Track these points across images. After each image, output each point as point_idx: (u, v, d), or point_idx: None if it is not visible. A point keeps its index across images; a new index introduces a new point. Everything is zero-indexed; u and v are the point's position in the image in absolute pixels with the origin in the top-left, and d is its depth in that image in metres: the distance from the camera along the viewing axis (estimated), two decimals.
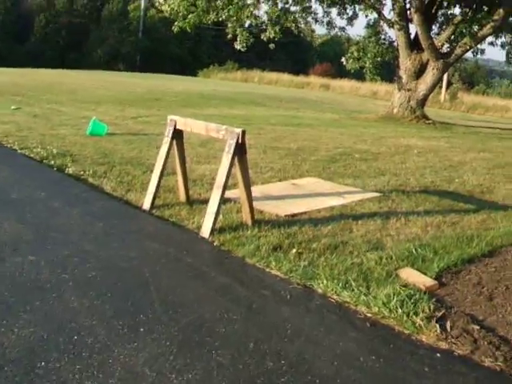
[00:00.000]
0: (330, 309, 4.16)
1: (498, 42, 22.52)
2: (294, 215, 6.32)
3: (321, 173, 8.95)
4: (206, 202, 6.32)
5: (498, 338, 3.82)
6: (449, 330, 3.88)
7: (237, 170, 5.73)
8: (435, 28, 22.58)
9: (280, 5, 20.04)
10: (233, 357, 3.37)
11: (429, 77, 19.87)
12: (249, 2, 19.07)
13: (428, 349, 3.67)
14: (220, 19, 19.81)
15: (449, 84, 39.64)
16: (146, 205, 6.33)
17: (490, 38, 21.18)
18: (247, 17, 17.90)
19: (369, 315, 4.08)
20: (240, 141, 5.50)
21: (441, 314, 4.09)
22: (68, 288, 4.17)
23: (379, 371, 3.36)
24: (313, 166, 9.46)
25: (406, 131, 17.00)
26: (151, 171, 7.46)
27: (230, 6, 17.94)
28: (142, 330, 3.62)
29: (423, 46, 19.35)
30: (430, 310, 4.11)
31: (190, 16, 17.81)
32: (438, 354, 3.60)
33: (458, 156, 12.36)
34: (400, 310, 4.08)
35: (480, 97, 41.99)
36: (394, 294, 4.28)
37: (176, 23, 18.07)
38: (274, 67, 55.22)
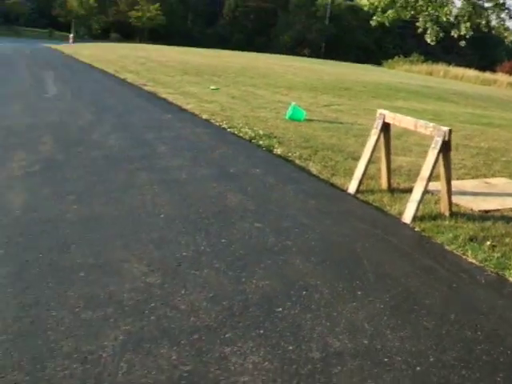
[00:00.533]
0: None
1: None
2: (487, 211, 6.65)
3: None
4: (404, 191, 6.91)
5: None
6: None
7: (440, 165, 6.20)
8: None
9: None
10: (436, 324, 3.94)
11: None
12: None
13: None
14: (412, 13, 19.93)
15: None
16: (352, 189, 6.94)
17: None
18: (446, 14, 17.94)
19: None
20: (446, 138, 5.98)
21: None
22: (292, 253, 4.90)
23: None
24: (504, 167, 9.61)
25: None
26: (352, 158, 8.14)
27: (430, 3, 18.10)
28: (359, 293, 4.27)
29: None
30: None
31: (389, 11, 18.20)
32: None
33: None
34: None
35: None
36: None
37: (374, 17, 18.51)
38: (459, 61, 54.14)
